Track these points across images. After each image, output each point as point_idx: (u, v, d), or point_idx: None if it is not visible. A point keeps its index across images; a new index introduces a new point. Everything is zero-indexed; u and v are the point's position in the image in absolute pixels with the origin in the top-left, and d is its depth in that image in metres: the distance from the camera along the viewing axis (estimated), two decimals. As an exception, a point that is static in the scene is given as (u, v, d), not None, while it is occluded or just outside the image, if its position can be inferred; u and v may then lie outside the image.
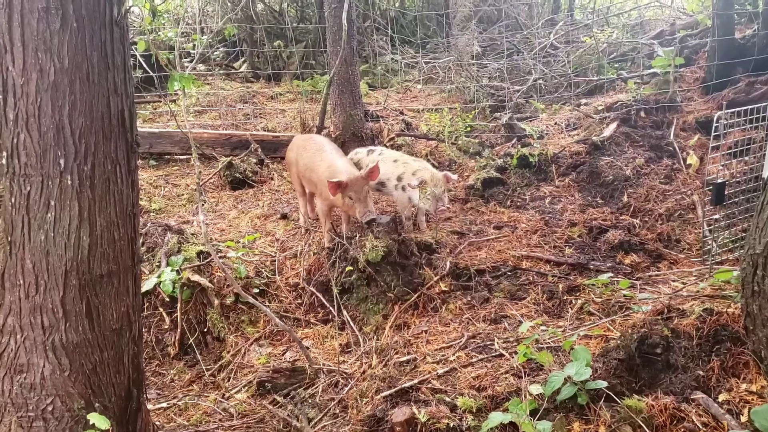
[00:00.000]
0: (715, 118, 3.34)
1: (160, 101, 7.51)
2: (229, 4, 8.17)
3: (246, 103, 7.42)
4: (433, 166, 4.59)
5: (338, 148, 4.23)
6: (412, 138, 6.04)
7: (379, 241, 3.37)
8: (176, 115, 6.73)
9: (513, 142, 5.60)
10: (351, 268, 3.33)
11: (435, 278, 3.37)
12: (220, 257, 3.58)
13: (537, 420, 2.08)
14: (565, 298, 3.17)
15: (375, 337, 3.11)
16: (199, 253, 3.54)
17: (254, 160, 5.60)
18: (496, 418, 2.07)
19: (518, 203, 4.49)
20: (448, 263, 3.48)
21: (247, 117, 6.99)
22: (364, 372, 2.78)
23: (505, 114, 6.11)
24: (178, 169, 5.86)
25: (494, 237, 3.93)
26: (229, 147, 5.99)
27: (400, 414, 2.21)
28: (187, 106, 7.28)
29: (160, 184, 5.43)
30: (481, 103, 6.60)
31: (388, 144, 5.73)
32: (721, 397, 2.12)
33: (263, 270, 3.68)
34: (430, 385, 2.46)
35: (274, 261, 3.80)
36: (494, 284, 3.38)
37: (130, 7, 2.04)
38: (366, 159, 4.21)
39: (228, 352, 3.20)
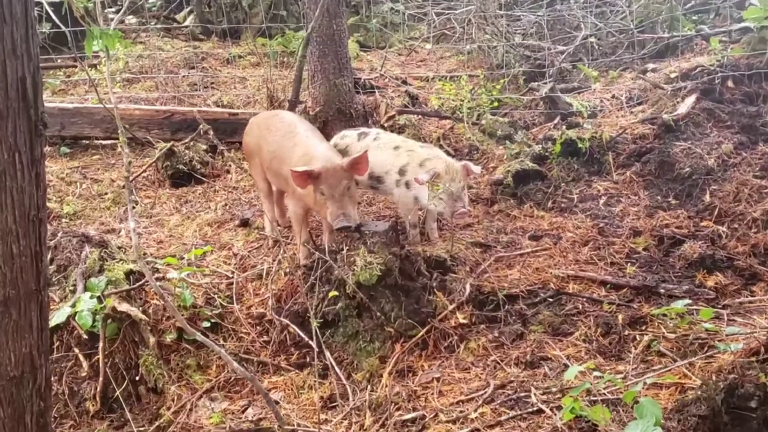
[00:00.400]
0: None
1: (76, 66, 7.52)
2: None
3: (193, 68, 7.43)
4: (448, 154, 4.60)
5: (316, 129, 4.23)
6: (419, 117, 6.06)
7: (374, 256, 3.37)
8: (97, 86, 6.73)
9: (555, 121, 5.63)
10: (336, 293, 3.33)
11: (450, 307, 3.37)
12: (158, 279, 3.57)
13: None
14: (626, 333, 3.17)
15: (369, 387, 3.10)
16: (129, 274, 3.54)
17: (204, 147, 5.61)
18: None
19: (562, 204, 4.49)
20: (467, 286, 3.49)
21: (195, 88, 7.00)
22: (353, 435, 2.77)
23: (545, 84, 6.14)
24: (99, 159, 5.86)
25: (530, 250, 3.93)
26: (170, 129, 5.99)
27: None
28: (113, 73, 7.29)
29: (75, 179, 5.43)
30: (513, 68, 6.63)
31: (386, 125, 5.74)
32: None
33: (216, 296, 3.67)
34: (443, 453, 2.46)
35: (232, 284, 3.79)
36: (530, 315, 3.38)
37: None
38: (356, 145, 4.21)
39: (168, 409, 3.17)
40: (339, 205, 3.50)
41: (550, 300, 3.46)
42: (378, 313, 3.30)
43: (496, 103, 5.87)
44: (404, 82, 7.06)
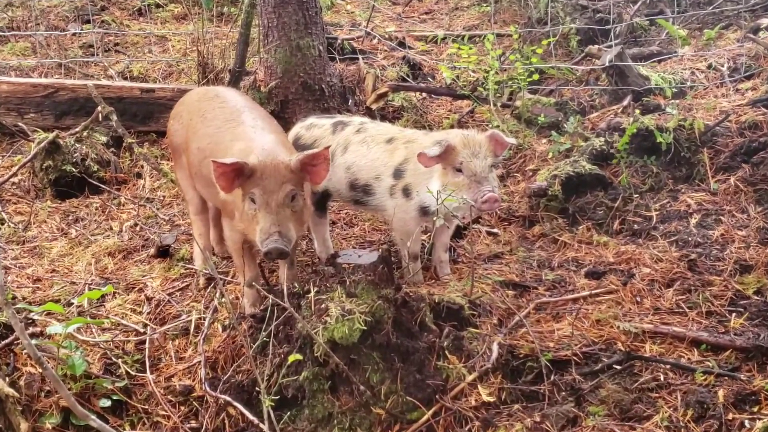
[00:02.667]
0: None
1: None
2: None
3: (88, 23, 7.43)
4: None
5: (272, 119, 4.24)
6: (423, 95, 6.08)
7: (356, 301, 3.36)
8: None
9: (624, 103, 5.67)
10: (299, 356, 3.32)
11: (469, 377, 3.37)
12: (33, 335, 3.55)
13: None
14: (729, 417, 3.15)
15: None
16: None
17: (104, 139, 5.61)
18: None
19: (635, 226, 4.51)
20: (495, 347, 3.49)
21: (90, 51, 7.00)
22: None
23: (609, 48, 6.17)
24: (-52, 156, 5.84)
25: (588, 294, 3.94)
26: (54, 111, 5.98)
27: None
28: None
29: None
30: (561, 25, 6.67)
31: (374, 107, 5.79)
32: None
33: (121, 361, 3.65)
34: None
35: (144, 343, 3.78)
36: (587, 389, 3.37)
37: None
38: (329, 139, 4.24)
39: None
40: (272, 217, 3.50)
41: (617, 367, 3.45)
42: (361, 387, 3.28)
43: (536, 76, 5.90)
44: (401, 45, 7.10)
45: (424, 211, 3.98)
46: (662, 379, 3.40)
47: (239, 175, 3.50)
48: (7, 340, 3.43)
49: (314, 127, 4.38)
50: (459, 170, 3.81)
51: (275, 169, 3.53)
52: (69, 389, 3.25)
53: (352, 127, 4.28)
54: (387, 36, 7.23)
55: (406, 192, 4.00)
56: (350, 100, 5.92)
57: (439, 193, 3.82)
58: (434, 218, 3.88)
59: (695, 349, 3.55)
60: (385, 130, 4.26)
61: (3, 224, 4.97)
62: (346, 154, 4.17)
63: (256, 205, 3.53)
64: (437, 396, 3.32)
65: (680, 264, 4.09)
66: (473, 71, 6.06)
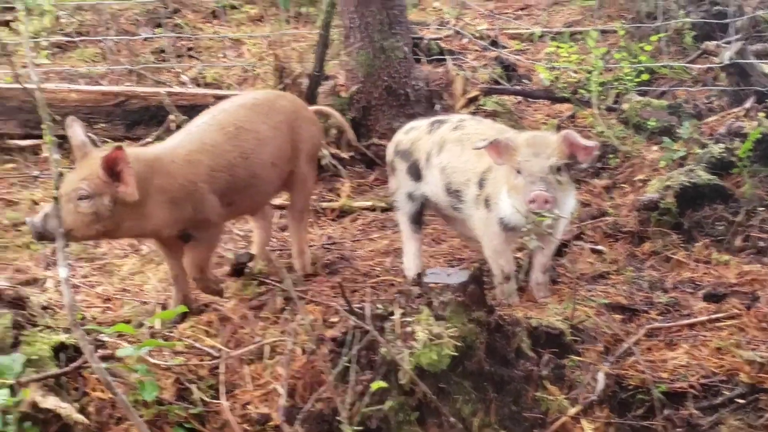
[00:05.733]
0: None
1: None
2: None
3: (159, 27, 7.57)
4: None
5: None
6: (518, 99, 6.04)
7: (444, 325, 3.36)
8: (10, 55, 6.91)
9: (747, 105, 5.56)
10: (383, 384, 3.31)
11: (572, 410, 3.33)
12: (103, 358, 3.59)
13: None
14: None
15: None
16: (59, 350, 3.56)
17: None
18: None
19: (760, 243, 4.45)
20: (601, 377, 3.45)
21: (162, 57, 7.12)
22: None
23: (729, 44, 6.06)
24: (15, 169, 5.98)
25: (706, 319, 3.87)
26: (124, 121, 6.09)
27: None
28: (34, 35, 7.48)
29: (-25, 200, 5.55)
30: (674, 19, 6.57)
31: (464, 112, 5.77)
32: None
33: (195, 386, 3.69)
34: None
35: (218, 368, 3.81)
36: (707, 426, 3.32)
37: None
38: (426, 139, 4.29)
39: None
40: (53, 206, 3.55)
41: (740, 401, 3.39)
42: (451, 419, 3.26)
43: (645, 76, 5.84)
44: (494, 44, 7.07)
45: (505, 225, 3.95)
46: (793, 416, 3.31)
47: None
48: (75, 363, 3.47)
49: (413, 130, 4.43)
50: (519, 171, 3.78)
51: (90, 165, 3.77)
52: (140, 416, 3.27)
53: (450, 124, 4.29)
54: (478, 35, 7.22)
55: (487, 203, 4.00)
56: (437, 105, 5.92)
57: (508, 201, 3.85)
58: (524, 238, 3.86)
59: (832, 383, 3.45)
60: (484, 129, 4.21)
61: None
62: (442, 154, 4.19)
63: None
64: (535, 430, 3.30)
65: (813, 286, 4.00)
66: (574, 72, 6.02)
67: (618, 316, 3.93)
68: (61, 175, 2.95)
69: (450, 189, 4.14)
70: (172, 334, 4.05)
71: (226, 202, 4.14)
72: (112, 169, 3.71)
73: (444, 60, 6.56)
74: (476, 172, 4.04)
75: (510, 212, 3.88)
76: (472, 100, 5.87)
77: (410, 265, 4.43)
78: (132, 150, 4.06)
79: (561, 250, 4.51)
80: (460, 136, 4.15)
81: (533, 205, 3.72)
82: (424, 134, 4.32)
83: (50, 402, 3.33)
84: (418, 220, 4.41)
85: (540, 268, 4.13)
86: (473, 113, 5.67)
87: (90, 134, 5.84)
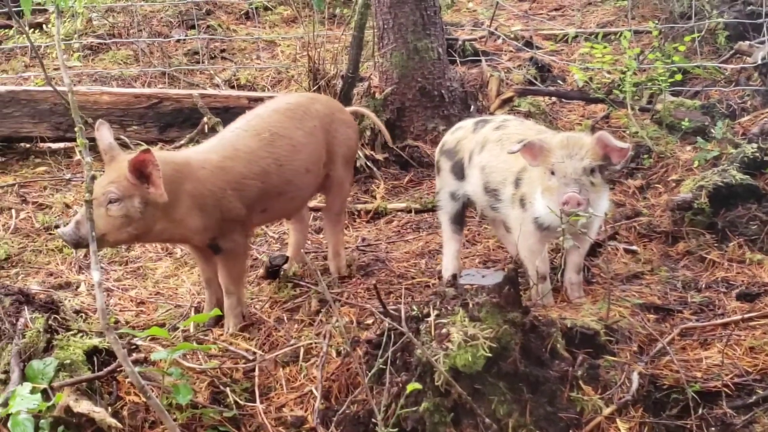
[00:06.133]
0: None
1: (9, 27, 7.81)
2: None
3: (192, 28, 7.62)
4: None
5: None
6: (553, 99, 6.04)
7: (479, 326, 3.36)
8: (43, 58, 6.97)
9: (782, 104, 5.54)
10: (418, 385, 3.32)
11: (607, 410, 3.33)
12: (136, 362, 3.62)
13: None
14: None
15: None
16: (93, 354, 3.58)
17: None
18: None
19: (795, 242, 4.39)
20: (635, 377, 3.44)
21: (195, 59, 7.17)
22: None
23: (763, 44, 6.03)
24: (47, 172, 6.05)
25: (740, 318, 3.85)
26: (158, 123, 6.14)
27: None
28: (66, 37, 7.52)
29: (9, 203, 5.62)
30: (708, 19, 6.55)
31: (498, 113, 5.78)
32: None
33: (229, 389, 3.71)
34: None
35: (253, 371, 3.84)
36: (740, 425, 3.30)
37: None
38: (470, 138, 4.33)
39: None
40: (83, 213, 3.64)
41: (776, 402, 3.37)
42: (487, 420, 3.27)
43: (678, 76, 5.82)
44: (528, 45, 7.07)
45: (540, 225, 3.97)
46: (829, 415, 3.30)
47: None
48: (109, 368, 3.49)
49: (459, 130, 4.46)
50: (553, 173, 3.80)
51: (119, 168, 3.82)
52: (174, 420, 3.30)
53: (493, 124, 4.32)
54: (512, 35, 7.22)
55: (522, 203, 4.02)
56: (472, 107, 5.92)
57: (542, 201, 3.86)
58: (559, 238, 3.87)
59: None
60: (525, 129, 4.23)
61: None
62: (482, 153, 4.21)
63: None
64: (571, 431, 3.29)
65: None
66: (608, 72, 6.00)
67: (652, 316, 3.93)
68: (93, 178, 2.97)
69: (488, 188, 4.16)
70: (206, 338, 4.09)
71: (260, 209, 4.18)
72: (141, 171, 3.75)
73: (478, 61, 6.56)
74: (512, 171, 4.06)
75: (545, 212, 3.90)
76: (507, 101, 5.88)
77: (448, 266, 4.46)
78: (161, 153, 4.11)
79: (595, 251, 4.52)
80: (500, 136, 4.17)
81: (566, 207, 3.73)
82: (469, 133, 4.35)
83: (83, 406, 3.34)
84: (459, 221, 4.44)
85: (574, 268, 4.15)
86: (509, 114, 5.68)
87: (123, 137, 5.95)
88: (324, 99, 4.87)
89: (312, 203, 5.12)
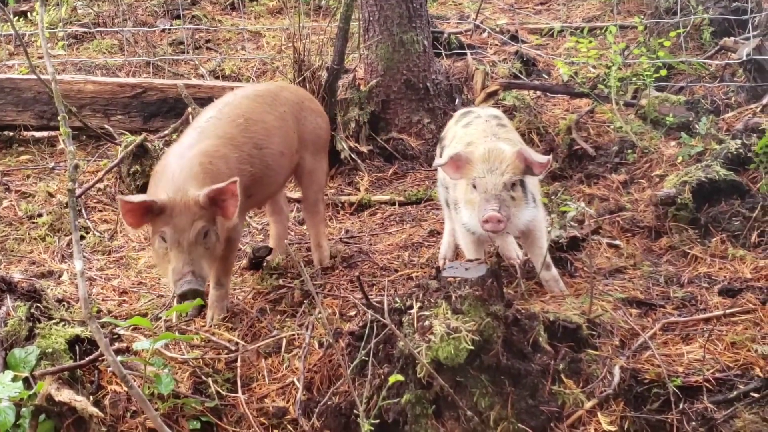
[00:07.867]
0: None
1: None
2: None
3: (177, 18, 7.60)
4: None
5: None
6: (537, 93, 6.06)
7: (462, 319, 3.37)
8: (27, 46, 6.95)
9: (765, 100, 5.56)
10: (401, 377, 3.33)
11: (588, 403, 3.35)
12: (118, 351, 3.62)
13: None
14: None
15: None
16: (75, 343, 3.58)
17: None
18: None
19: (776, 238, 4.42)
20: (617, 371, 3.46)
21: (180, 48, 7.16)
22: None
23: (747, 40, 6.06)
24: (30, 160, 6.04)
25: (722, 313, 3.88)
26: (142, 113, 6.13)
27: None
28: (50, 25, 7.50)
29: (-7, 192, 5.60)
30: (693, 15, 6.57)
31: (483, 107, 5.78)
32: None
33: (211, 380, 3.72)
34: None
35: (235, 361, 3.85)
36: (721, 419, 3.32)
37: None
38: (452, 130, 4.38)
39: None
40: (183, 257, 3.72)
41: (755, 395, 3.38)
42: (468, 413, 3.28)
43: (663, 72, 5.84)
44: (514, 38, 7.09)
45: (468, 230, 4.03)
46: (808, 410, 3.33)
47: (147, 211, 3.75)
48: (91, 357, 3.49)
49: (452, 118, 4.53)
50: (474, 186, 3.84)
51: (182, 205, 3.75)
52: (156, 409, 3.31)
53: (467, 119, 4.36)
54: (498, 29, 7.23)
55: (456, 205, 4.09)
56: (457, 100, 5.94)
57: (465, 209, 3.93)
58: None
59: None
60: (473, 132, 4.22)
61: (88, 233, 5.11)
62: (450, 147, 4.26)
63: (165, 246, 3.77)
64: (552, 424, 3.30)
65: (828, 282, 4.00)
66: (593, 67, 6.02)
67: (634, 311, 3.95)
68: (76, 167, 2.97)
69: (444, 183, 4.25)
70: (188, 328, 4.10)
71: (247, 194, 4.17)
72: (215, 198, 3.78)
73: (464, 54, 6.58)
74: None
75: (470, 222, 3.96)
76: (492, 95, 5.88)
77: (443, 250, 4.57)
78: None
79: (578, 245, 4.54)
80: (463, 135, 4.22)
81: (487, 226, 3.78)
82: (453, 124, 4.41)
83: (65, 395, 3.34)
84: None
85: (539, 267, 4.16)
86: (495, 107, 5.69)
87: (107, 126, 5.95)
88: (293, 87, 4.93)
89: (292, 194, 5.14)
